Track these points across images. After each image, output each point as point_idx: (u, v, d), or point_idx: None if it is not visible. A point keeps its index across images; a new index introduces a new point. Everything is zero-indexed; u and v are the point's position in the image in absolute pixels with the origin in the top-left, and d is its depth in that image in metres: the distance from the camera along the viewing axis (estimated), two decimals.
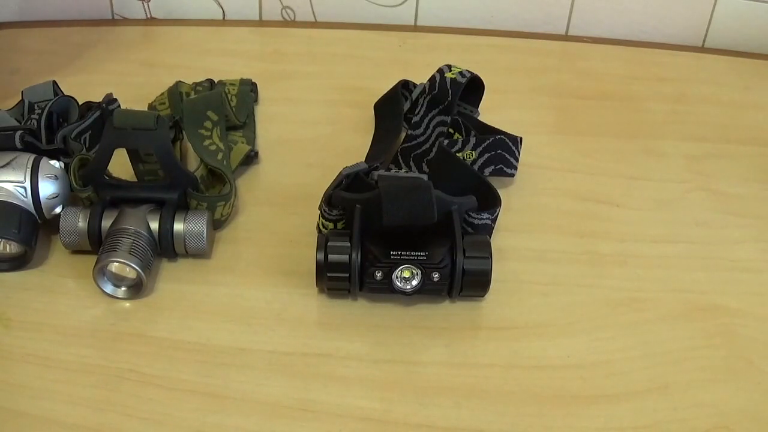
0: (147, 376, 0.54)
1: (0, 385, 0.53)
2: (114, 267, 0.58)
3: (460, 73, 0.72)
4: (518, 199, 0.69)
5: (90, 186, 0.62)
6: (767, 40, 0.93)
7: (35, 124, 0.65)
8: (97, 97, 0.71)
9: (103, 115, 0.69)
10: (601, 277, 0.63)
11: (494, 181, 0.66)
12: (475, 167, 0.68)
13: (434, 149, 0.70)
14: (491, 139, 0.69)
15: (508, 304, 0.60)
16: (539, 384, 0.55)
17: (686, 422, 0.53)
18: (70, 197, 0.63)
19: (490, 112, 0.75)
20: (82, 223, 0.60)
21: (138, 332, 0.57)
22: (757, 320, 0.60)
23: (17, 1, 0.91)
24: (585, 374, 0.56)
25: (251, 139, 0.74)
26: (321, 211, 0.62)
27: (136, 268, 0.57)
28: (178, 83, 0.78)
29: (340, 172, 0.63)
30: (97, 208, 0.60)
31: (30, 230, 0.60)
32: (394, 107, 0.76)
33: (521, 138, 0.70)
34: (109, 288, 0.59)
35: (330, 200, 0.61)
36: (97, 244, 0.60)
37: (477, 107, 0.75)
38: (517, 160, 0.70)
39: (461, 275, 0.57)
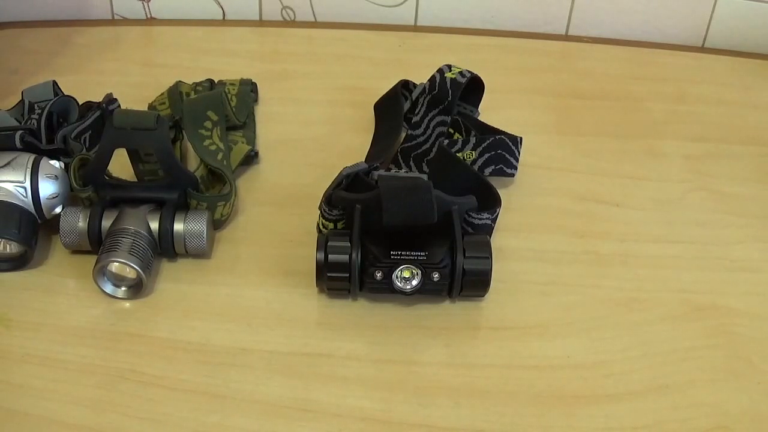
0: (147, 376, 0.54)
1: (0, 385, 0.53)
2: (114, 267, 0.58)
3: (460, 73, 0.72)
4: (518, 199, 0.69)
5: (90, 186, 0.62)
6: (767, 40, 0.93)
7: (35, 124, 0.65)
8: (97, 97, 0.71)
9: (103, 115, 0.69)
10: (601, 277, 0.63)
11: (494, 181, 0.66)
12: (475, 167, 0.68)
13: (434, 149, 0.70)
14: (491, 139, 0.69)
15: (508, 304, 0.60)
16: (539, 384, 0.55)
17: (686, 422, 0.53)
18: (70, 197, 0.63)
19: (490, 112, 0.75)
20: (82, 223, 0.60)
21: (138, 332, 0.57)
22: (757, 320, 0.60)
23: (17, 1, 0.91)
24: (585, 374, 0.56)
25: (251, 139, 0.74)
26: (321, 211, 0.62)
27: (136, 268, 0.57)
28: (178, 83, 0.78)
29: (340, 172, 0.63)
30: (97, 208, 0.60)
31: (30, 230, 0.60)
32: (394, 107, 0.76)
33: (521, 138, 0.70)
34: (109, 288, 0.59)
35: (330, 200, 0.61)
36: (97, 244, 0.60)
37: (477, 107, 0.75)
38: (517, 160, 0.70)
39: (461, 275, 0.57)
